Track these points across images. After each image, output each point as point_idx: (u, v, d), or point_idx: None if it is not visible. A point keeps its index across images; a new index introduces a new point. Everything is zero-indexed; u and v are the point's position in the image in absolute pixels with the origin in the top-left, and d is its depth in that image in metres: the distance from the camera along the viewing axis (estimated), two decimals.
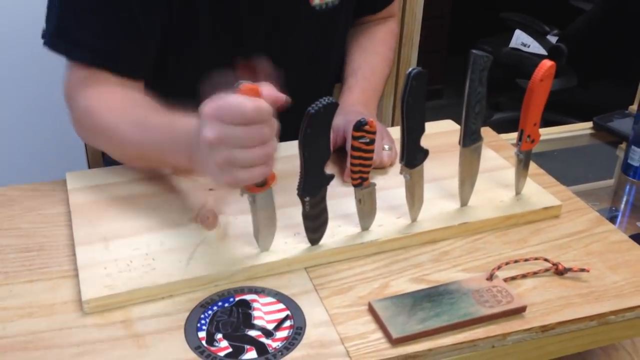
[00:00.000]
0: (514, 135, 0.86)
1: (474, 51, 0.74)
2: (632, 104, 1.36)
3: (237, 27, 0.93)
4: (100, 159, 1.21)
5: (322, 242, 0.75)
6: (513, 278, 0.72)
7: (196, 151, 0.68)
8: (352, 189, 0.75)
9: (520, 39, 2.96)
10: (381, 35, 1.13)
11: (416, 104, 0.71)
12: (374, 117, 0.99)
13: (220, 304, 0.68)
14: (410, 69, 0.70)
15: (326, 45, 1.05)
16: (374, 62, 1.08)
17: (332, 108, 0.66)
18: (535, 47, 2.89)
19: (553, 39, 2.83)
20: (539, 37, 2.84)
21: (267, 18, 0.95)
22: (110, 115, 0.83)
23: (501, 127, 1.17)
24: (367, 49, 1.10)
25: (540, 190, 0.86)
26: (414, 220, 0.79)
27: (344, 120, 0.91)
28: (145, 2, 0.84)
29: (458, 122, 0.85)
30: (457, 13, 3.27)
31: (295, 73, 0.92)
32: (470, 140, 0.79)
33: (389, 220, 0.79)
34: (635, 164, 1.09)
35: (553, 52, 2.74)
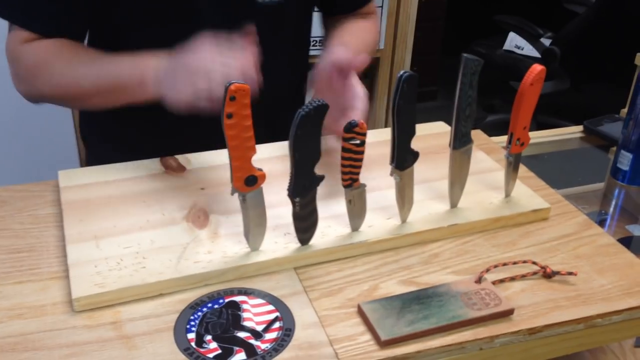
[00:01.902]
0: (506, 138, 0.86)
1: (465, 55, 0.74)
2: (624, 107, 1.36)
3: (182, 19, 0.94)
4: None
5: (312, 242, 0.75)
6: (501, 281, 0.72)
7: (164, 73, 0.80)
8: (342, 189, 0.75)
9: (514, 42, 2.97)
10: (360, 26, 1.09)
11: (407, 106, 0.72)
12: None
13: (209, 305, 0.68)
14: (401, 72, 0.70)
15: (274, 42, 1.01)
16: (354, 37, 1.04)
17: (323, 110, 0.66)
18: (528, 50, 2.90)
19: (546, 42, 2.85)
20: (533, 39, 2.85)
21: (210, 12, 0.94)
22: (61, 59, 0.90)
23: (494, 129, 1.18)
24: (345, 28, 1.06)
25: (530, 193, 0.87)
26: (404, 221, 0.80)
27: (326, 56, 0.90)
28: None
29: (451, 123, 0.86)
30: (451, 15, 3.28)
31: None
32: (460, 142, 0.79)
33: (379, 221, 0.79)
34: (625, 167, 1.10)
35: (546, 55, 2.76)
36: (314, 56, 1.09)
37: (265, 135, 0.93)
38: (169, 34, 0.90)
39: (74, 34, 0.94)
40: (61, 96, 0.94)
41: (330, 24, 1.11)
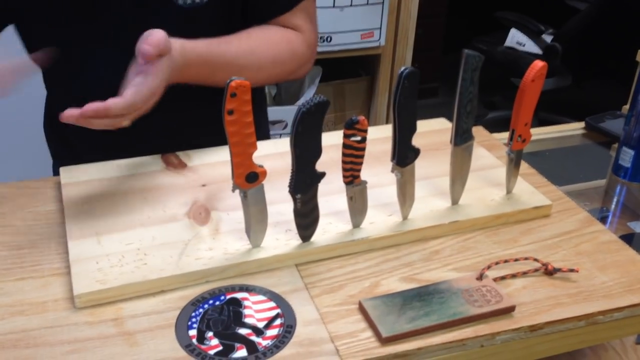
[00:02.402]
0: (508, 134, 0.86)
1: (466, 51, 0.74)
2: (626, 103, 1.36)
3: (93, 16, 0.89)
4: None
5: (313, 239, 0.75)
6: (503, 278, 0.72)
7: None
8: (343, 186, 0.75)
9: (516, 38, 2.96)
10: (273, 35, 0.96)
11: (408, 103, 0.71)
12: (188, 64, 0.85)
13: (211, 302, 0.68)
14: (402, 68, 0.70)
15: None
16: (244, 39, 0.93)
17: (324, 106, 0.66)
18: (530, 46, 2.90)
19: (548, 38, 2.84)
20: (534, 36, 2.84)
21: (126, 10, 0.90)
22: None
23: (496, 126, 1.18)
24: (250, 32, 0.95)
25: (531, 190, 0.87)
26: (405, 218, 0.80)
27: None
28: None
29: (452, 120, 0.86)
30: (452, 11, 3.28)
31: None
32: (461, 139, 0.79)
33: (380, 218, 0.79)
34: (626, 164, 1.09)
35: (548, 52, 2.75)
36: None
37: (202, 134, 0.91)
38: (76, 33, 0.88)
39: None
40: None
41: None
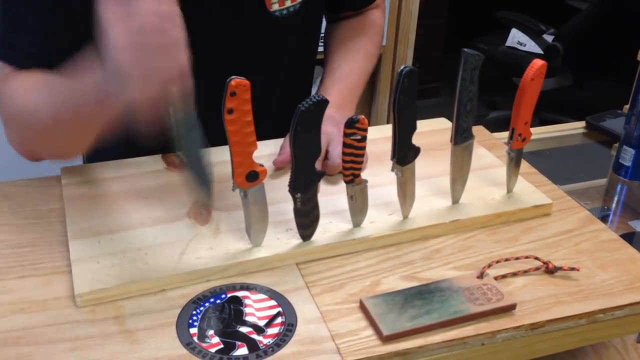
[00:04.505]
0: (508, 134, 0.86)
1: (465, 50, 0.74)
2: (627, 103, 1.36)
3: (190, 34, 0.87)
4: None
5: (314, 238, 0.75)
6: (503, 276, 0.72)
7: (110, 79, 0.62)
8: (344, 185, 0.75)
9: (517, 38, 2.96)
10: (362, 29, 1.09)
11: (408, 101, 0.71)
12: (346, 114, 0.92)
13: (212, 300, 0.68)
14: (401, 67, 0.70)
15: (292, 51, 1.01)
16: (353, 60, 1.04)
17: (323, 105, 0.66)
18: (531, 46, 2.90)
19: (549, 38, 2.84)
20: (535, 36, 2.84)
21: (222, 20, 0.90)
22: (28, 94, 0.78)
23: (497, 126, 1.17)
24: (347, 45, 1.06)
25: (532, 189, 0.87)
26: (405, 217, 0.80)
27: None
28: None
29: (452, 120, 0.86)
30: (453, 11, 3.28)
31: (261, 79, 0.84)
32: (461, 138, 0.79)
33: (380, 217, 0.79)
34: (627, 163, 1.09)
35: (549, 51, 2.75)
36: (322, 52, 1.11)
37: (272, 135, 0.93)
38: None
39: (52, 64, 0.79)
40: (46, 140, 0.80)
41: (332, 28, 1.10)
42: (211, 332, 0.64)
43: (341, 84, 1.00)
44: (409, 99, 0.71)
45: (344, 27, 1.09)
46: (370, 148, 0.75)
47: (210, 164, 0.67)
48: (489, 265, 0.73)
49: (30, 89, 0.79)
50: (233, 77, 0.63)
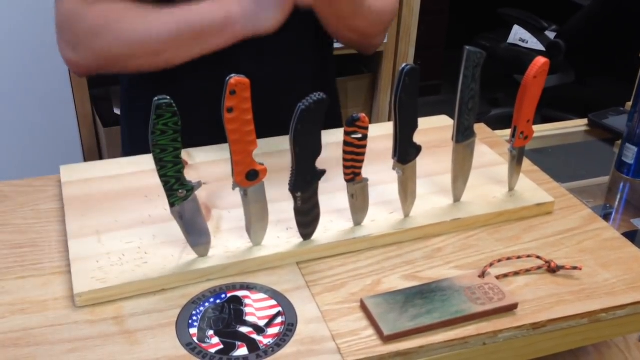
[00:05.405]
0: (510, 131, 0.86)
1: (467, 47, 0.74)
2: (629, 100, 1.35)
3: None
4: (95, 155, 1.22)
5: (314, 237, 0.75)
6: (505, 275, 0.72)
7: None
8: (344, 184, 0.75)
9: (519, 35, 2.96)
10: None
11: (409, 100, 0.71)
12: None
13: (212, 300, 0.68)
14: (403, 65, 0.70)
15: (302, 38, 1.02)
16: None
17: (323, 104, 0.66)
18: (533, 43, 2.89)
19: (551, 35, 2.83)
20: (537, 33, 2.84)
21: None
22: (131, 14, 0.86)
23: (499, 123, 1.17)
24: None
25: (534, 187, 0.86)
26: (406, 215, 0.79)
27: None
28: None
29: (453, 117, 0.85)
30: (455, 8, 3.27)
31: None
32: (463, 136, 0.79)
33: (381, 216, 0.79)
34: (630, 161, 1.09)
35: (551, 48, 2.74)
36: (337, 48, 1.11)
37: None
38: None
39: None
40: (131, 54, 0.89)
41: None
42: (211, 332, 0.64)
43: None
44: (410, 97, 0.71)
45: None
46: (371, 146, 0.74)
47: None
48: (491, 265, 0.72)
49: (137, 12, 0.86)
50: (233, 75, 0.63)
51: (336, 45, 1.17)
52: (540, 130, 1.23)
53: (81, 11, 0.88)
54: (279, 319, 0.65)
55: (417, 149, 0.76)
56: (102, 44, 0.88)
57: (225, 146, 0.67)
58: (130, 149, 1.07)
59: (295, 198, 0.71)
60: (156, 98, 0.61)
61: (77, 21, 0.88)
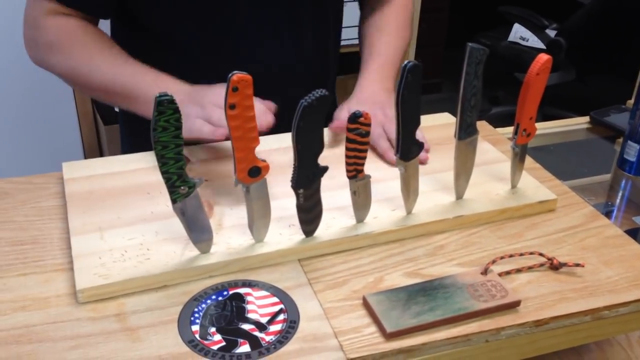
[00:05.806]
0: (512, 129, 0.86)
1: (470, 44, 0.74)
2: (630, 98, 1.35)
3: None
4: (96, 153, 1.22)
5: (316, 233, 0.75)
6: (508, 272, 0.72)
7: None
8: (347, 180, 0.75)
9: (519, 33, 2.96)
10: (393, 12, 1.12)
11: (411, 96, 0.71)
12: (392, 91, 0.99)
13: (214, 297, 0.68)
14: (405, 62, 0.70)
15: (308, 29, 1.05)
16: (388, 39, 1.08)
17: (325, 100, 0.65)
18: (534, 41, 2.89)
19: (552, 33, 2.83)
20: (538, 31, 2.83)
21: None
22: (83, 45, 0.91)
23: (499, 121, 1.17)
24: (380, 28, 1.09)
25: (536, 184, 0.86)
26: (409, 212, 0.79)
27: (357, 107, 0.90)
28: None
29: (456, 115, 0.85)
30: (455, 6, 3.27)
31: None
32: (465, 133, 0.79)
33: (384, 213, 0.79)
34: (631, 158, 1.09)
35: (552, 46, 2.74)
36: (346, 46, 1.12)
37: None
38: (206, 39, 0.94)
39: (98, 13, 0.95)
40: (70, 79, 0.95)
41: (364, 14, 1.13)
42: (213, 329, 0.64)
43: (380, 58, 1.04)
44: (413, 94, 0.71)
45: (375, 14, 1.12)
46: None
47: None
48: (493, 262, 0.72)
49: (90, 45, 0.91)
50: (235, 72, 0.63)
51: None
52: (542, 127, 1.23)
53: (41, 22, 0.92)
54: (281, 316, 0.65)
55: (420, 146, 0.75)
56: (53, 60, 0.93)
57: (227, 143, 0.67)
58: (129, 147, 1.08)
59: (297, 195, 0.71)
60: (157, 94, 0.61)
61: (37, 29, 0.93)
